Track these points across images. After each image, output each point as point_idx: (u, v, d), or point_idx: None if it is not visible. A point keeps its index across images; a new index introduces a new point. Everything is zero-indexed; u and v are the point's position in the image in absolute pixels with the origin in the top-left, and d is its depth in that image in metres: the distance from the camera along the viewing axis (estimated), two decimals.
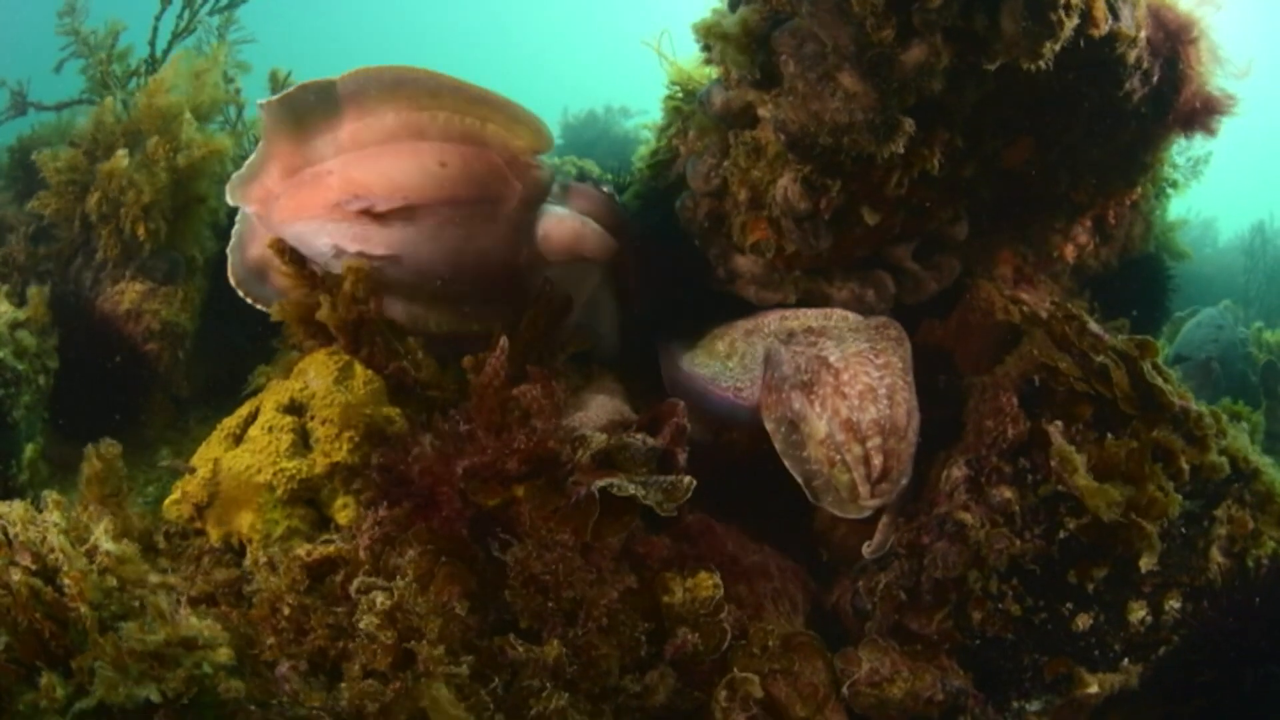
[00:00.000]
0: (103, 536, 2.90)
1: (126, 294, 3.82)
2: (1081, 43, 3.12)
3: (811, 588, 3.46)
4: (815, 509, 3.47)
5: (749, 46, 3.09)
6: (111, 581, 2.84)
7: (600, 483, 2.97)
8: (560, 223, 3.51)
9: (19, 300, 3.69)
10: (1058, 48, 3.02)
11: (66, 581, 2.84)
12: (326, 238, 3.33)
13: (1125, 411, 3.36)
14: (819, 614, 3.43)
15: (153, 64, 4.04)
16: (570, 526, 2.99)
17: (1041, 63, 3.02)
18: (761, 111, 3.25)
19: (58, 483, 3.81)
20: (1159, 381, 3.38)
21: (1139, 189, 3.78)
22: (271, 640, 2.89)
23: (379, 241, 3.33)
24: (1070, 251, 3.71)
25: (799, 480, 3.30)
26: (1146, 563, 3.34)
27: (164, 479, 3.75)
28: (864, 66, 2.99)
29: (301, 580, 2.93)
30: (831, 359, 3.28)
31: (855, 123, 3.03)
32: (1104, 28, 3.14)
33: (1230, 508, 3.48)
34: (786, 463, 3.30)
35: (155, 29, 4.08)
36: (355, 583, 2.87)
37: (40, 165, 3.77)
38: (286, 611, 2.87)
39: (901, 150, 3.06)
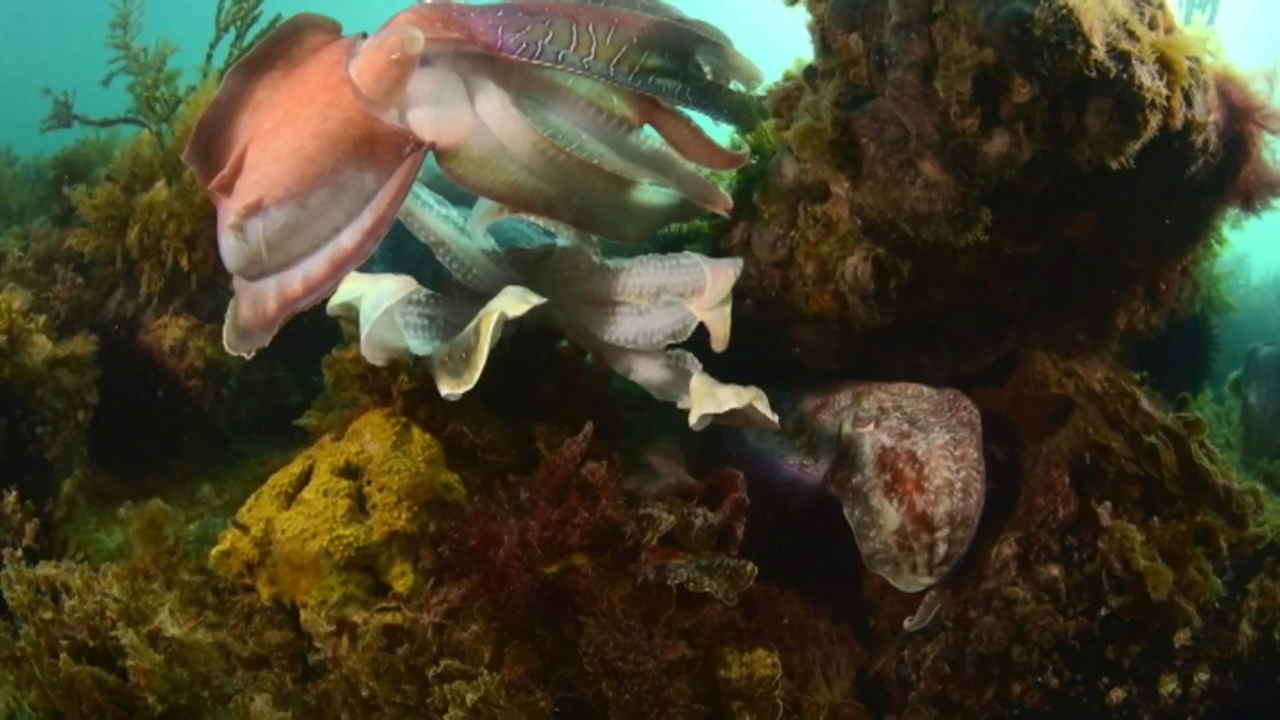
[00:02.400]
0: (168, 620, 2.77)
1: (170, 329, 3.62)
2: (1157, 132, 2.99)
3: (858, 653, 3.40)
4: (865, 575, 3.41)
5: (839, 143, 2.92)
6: (180, 673, 2.71)
7: (674, 578, 2.87)
8: (361, 57, 3.06)
9: (58, 333, 3.49)
10: (1139, 145, 2.89)
11: (131, 668, 2.72)
12: (223, 238, 3.11)
13: (1171, 491, 3.30)
14: (864, 679, 3.37)
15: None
16: (640, 611, 2.91)
17: (1124, 159, 2.89)
18: (835, 188, 3.09)
19: (95, 514, 3.66)
20: (1205, 463, 3.32)
21: (1190, 255, 3.68)
22: (345, 716, 2.79)
23: (240, 198, 3.07)
24: (1122, 319, 3.61)
25: (863, 554, 3.23)
26: (1181, 638, 3.32)
27: (205, 516, 3.60)
28: (947, 156, 2.84)
29: (383, 662, 2.82)
30: (918, 453, 3.20)
31: (935, 213, 2.89)
32: (1179, 120, 3.00)
33: (1262, 580, 3.46)
34: (856, 538, 3.25)
35: (209, 56, 3.79)
36: (433, 670, 2.76)
37: (76, 203, 3.53)
38: (364, 693, 2.76)
39: (981, 240, 2.93)
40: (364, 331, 2.93)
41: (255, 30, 3.79)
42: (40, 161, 4.74)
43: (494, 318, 2.92)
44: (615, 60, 3.18)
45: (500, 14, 3.13)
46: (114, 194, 3.49)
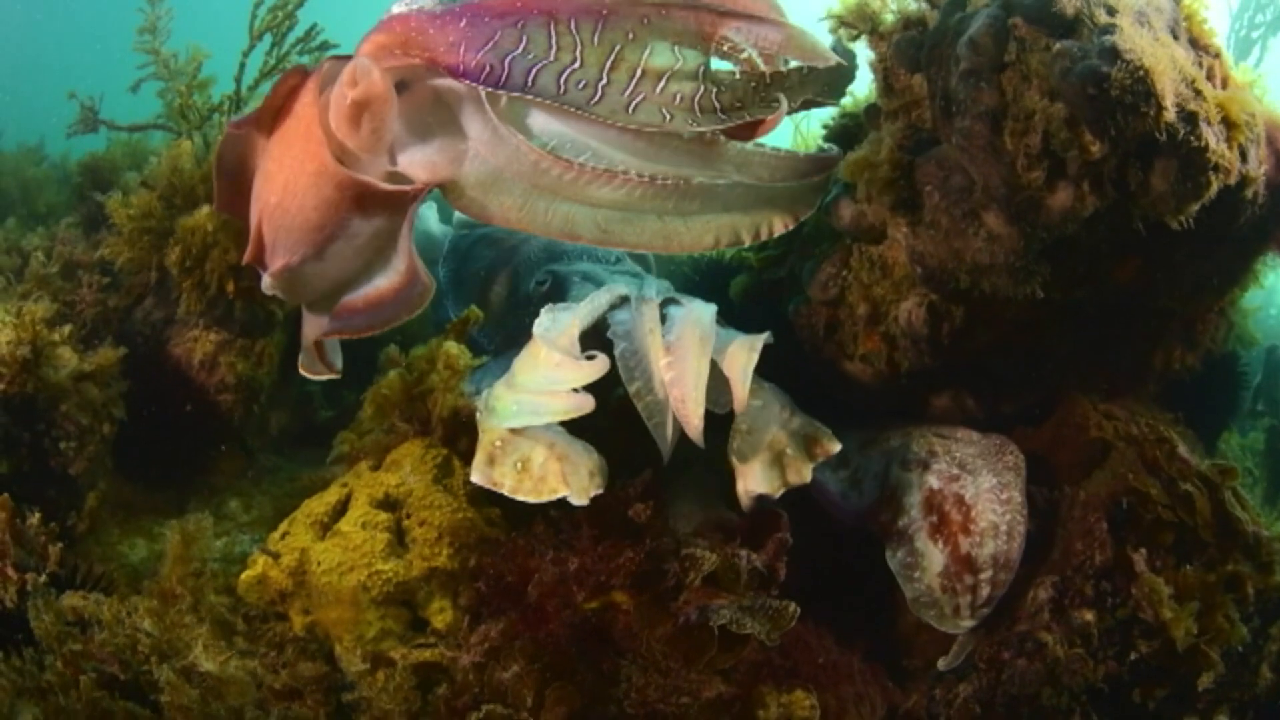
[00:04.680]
0: (202, 655, 2.64)
1: (200, 343, 3.44)
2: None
3: (889, 690, 3.33)
4: (899, 613, 3.33)
5: (896, 182, 2.81)
6: (216, 707, 2.59)
7: (717, 619, 2.77)
8: (330, 113, 2.72)
9: (83, 343, 3.31)
10: (1200, 206, 2.80)
11: (167, 704, 2.60)
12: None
13: (1204, 538, 3.25)
14: (894, 716, 3.30)
15: (237, 103, 3.57)
16: (681, 652, 2.82)
17: (1184, 220, 2.80)
18: (893, 232, 2.98)
19: (118, 526, 3.50)
20: (1238, 512, 3.28)
21: (1228, 296, 3.60)
22: None
23: (270, 266, 2.89)
24: (1159, 360, 3.54)
25: (907, 597, 3.15)
26: (1205, 681, 3.28)
27: (232, 532, 3.45)
28: (1012, 209, 2.73)
29: (414, 701, 2.72)
30: (966, 496, 3.11)
31: (996, 265, 2.79)
32: (1235, 176, 2.91)
33: None
34: (899, 579, 3.18)
35: (243, 65, 3.58)
36: (475, 715, 2.66)
37: (110, 211, 3.32)
38: None
39: (1038, 294, 2.84)
40: (514, 421, 2.82)
41: (292, 38, 3.59)
42: (68, 162, 4.52)
43: (558, 491, 2.84)
44: (608, 65, 2.59)
45: (464, 24, 2.62)
46: (151, 203, 3.28)
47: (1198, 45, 3.03)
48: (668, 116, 2.62)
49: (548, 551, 2.91)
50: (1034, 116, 2.66)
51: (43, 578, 2.91)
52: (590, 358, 2.76)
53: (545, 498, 2.83)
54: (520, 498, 2.83)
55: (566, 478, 2.83)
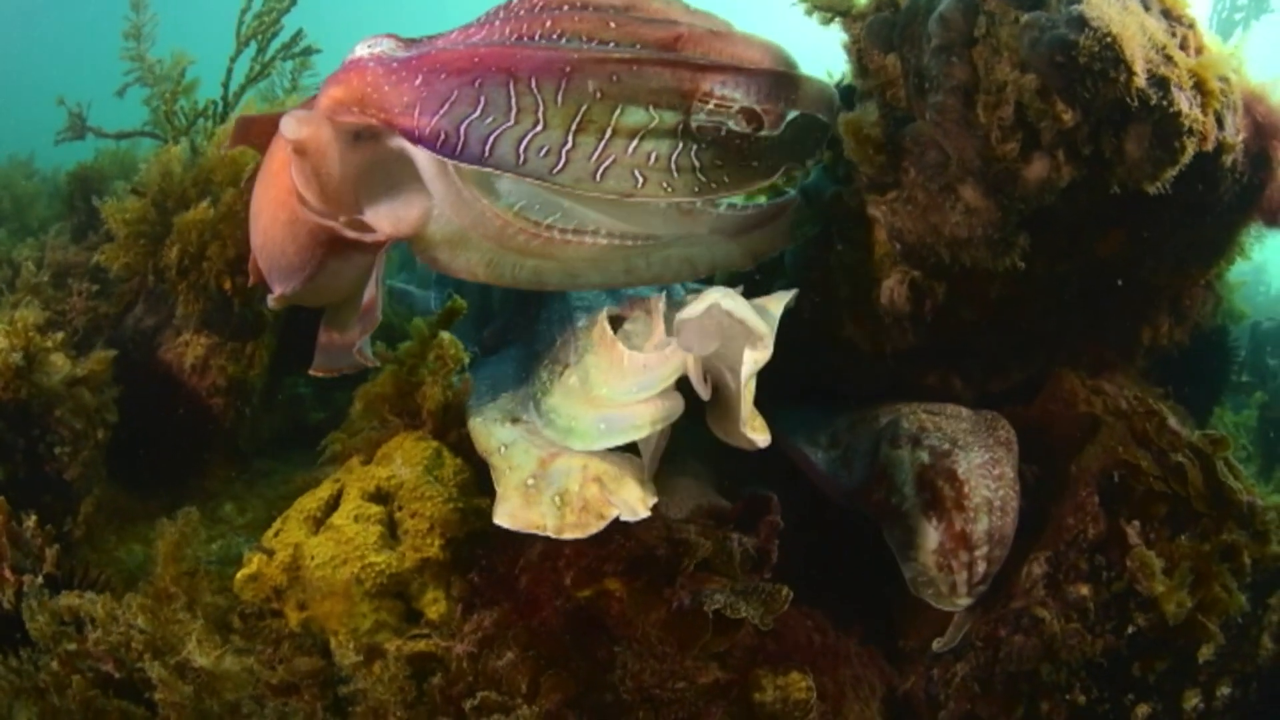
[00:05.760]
0: (195, 650, 2.64)
1: (191, 347, 3.46)
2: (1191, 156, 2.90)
3: (887, 671, 3.31)
4: (894, 593, 3.31)
5: (884, 148, 2.81)
6: (210, 703, 2.59)
7: (711, 603, 2.76)
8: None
9: (75, 349, 3.33)
10: (1176, 171, 2.80)
11: (160, 700, 2.60)
12: None
13: (1197, 509, 3.23)
14: (893, 698, 3.28)
15: (225, 107, 3.60)
16: (675, 637, 2.81)
17: (1160, 185, 2.79)
18: (872, 210, 2.98)
19: (114, 532, 3.51)
20: (1230, 481, 3.25)
21: (1214, 270, 3.59)
22: None
23: (271, 288, 2.93)
24: (1147, 335, 3.53)
25: (905, 576, 3.15)
26: (1205, 653, 3.26)
27: (227, 535, 3.46)
28: (988, 182, 2.74)
29: (410, 691, 2.71)
30: (959, 472, 3.10)
31: (974, 238, 2.79)
32: (1211, 143, 2.91)
33: None
34: (898, 559, 3.18)
35: (230, 71, 3.61)
36: (470, 701, 2.65)
37: (106, 216, 3.34)
38: None
39: (1018, 266, 2.83)
40: (603, 442, 2.64)
41: (276, 44, 3.62)
42: (59, 175, 4.56)
43: (606, 517, 2.69)
44: (574, 127, 2.41)
45: (419, 82, 2.44)
46: (145, 209, 3.30)
47: (1170, 15, 3.03)
48: (640, 180, 2.47)
49: (537, 540, 2.91)
50: (1006, 89, 2.67)
51: (38, 579, 2.92)
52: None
53: (592, 530, 2.63)
54: (566, 536, 2.63)
55: (609, 499, 2.65)
